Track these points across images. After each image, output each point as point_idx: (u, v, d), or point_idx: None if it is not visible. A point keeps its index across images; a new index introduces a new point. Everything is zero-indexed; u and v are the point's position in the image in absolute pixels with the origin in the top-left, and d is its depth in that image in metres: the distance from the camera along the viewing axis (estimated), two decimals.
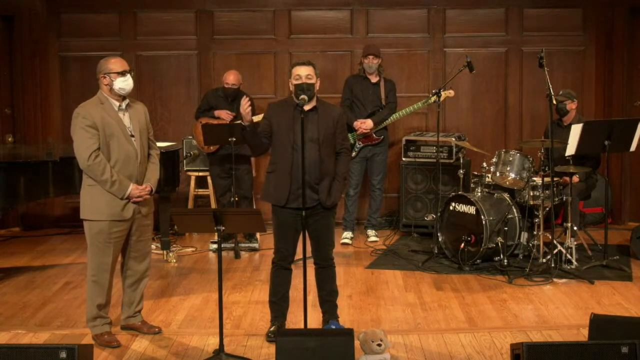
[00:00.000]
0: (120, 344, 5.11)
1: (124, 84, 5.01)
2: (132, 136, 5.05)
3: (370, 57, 7.71)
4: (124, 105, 5.07)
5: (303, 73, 5.01)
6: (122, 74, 5.00)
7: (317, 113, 5.08)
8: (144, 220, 5.19)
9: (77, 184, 6.51)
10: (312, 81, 5.02)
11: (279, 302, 5.29)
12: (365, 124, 7.65)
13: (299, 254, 5.09)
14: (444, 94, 7.32)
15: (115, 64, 5.01)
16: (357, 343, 4.57)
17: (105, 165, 4.94)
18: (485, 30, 8.70)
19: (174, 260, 7.23)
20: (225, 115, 7.61)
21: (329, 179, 5.10)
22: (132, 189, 5.02)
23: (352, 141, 7.76)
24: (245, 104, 4.96)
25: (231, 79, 7.66)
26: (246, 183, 7.77)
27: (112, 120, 4.99)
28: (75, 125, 4.96)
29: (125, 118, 5.07)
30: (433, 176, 7.97)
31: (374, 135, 7.76)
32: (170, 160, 7.04)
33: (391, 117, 7.75)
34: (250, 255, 7.51)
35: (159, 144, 7.43)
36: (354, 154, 7.79)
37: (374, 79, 7.80)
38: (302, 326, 5.00)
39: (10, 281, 6.63)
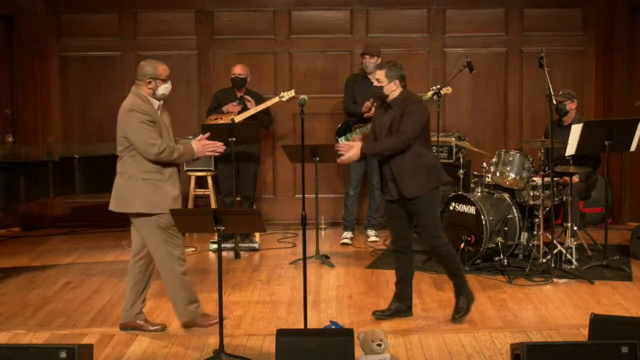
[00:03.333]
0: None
1: (166, 90, 5.17)
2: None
3: (367, 56, 7.72)
4: (160, 106, 5.21)
5: (376, 76, 5.41)
6: (166, 80, 5.15)
7: (391, 110, 5.36)
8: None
9: (77, 184, 6.54)
10: (381, 84, 5.37)
11: (397, 284, 5.59)
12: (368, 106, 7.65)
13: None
14: (442, 92, 7.32)
15: (163, 69, 5.15)
16: (357, 343, 4.57)
17: (173, 147, 5.08)
18: (485, 30, 8.70)
19: None
20: (232, 107, 7.65)
21: (407, 173, 5.28)
22: (195, 143, 5.18)
23: (351, 141, 7.76)
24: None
25: (238, 69, 7.76)
26: (250, 183, 7.79)
27: (158, 118, 5.13)
28: (134, 121, 5.05)
29: (163, 117, 5.21)
30: None
31: None
32: None
33: None
34: (250, 255, 7.51)
35: None
36: None
37: (374, 79, 7.79)
38: (302, 326, 5.01)
39: (10, 281, 6.63)
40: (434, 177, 5.37)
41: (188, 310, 5.27)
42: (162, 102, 5.22)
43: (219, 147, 5.24)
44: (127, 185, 5.13)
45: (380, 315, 5.55)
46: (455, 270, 5.54)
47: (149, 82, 5.10)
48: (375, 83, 5.41)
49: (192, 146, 5.19)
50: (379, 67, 5.47)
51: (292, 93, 7.58)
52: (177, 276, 5.20)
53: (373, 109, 7.61)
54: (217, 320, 5.31)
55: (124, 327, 5.35)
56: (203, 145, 5.20)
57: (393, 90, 5.37)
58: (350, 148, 5.33)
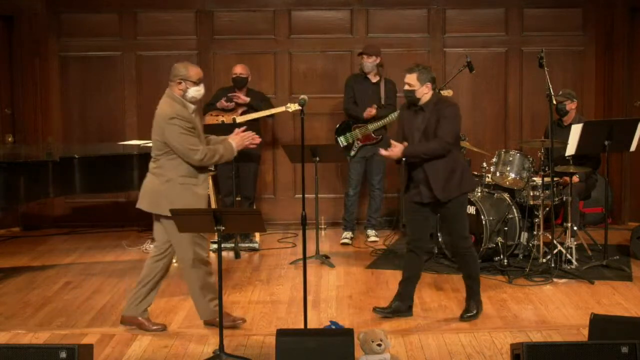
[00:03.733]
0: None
1: (197, 93, 5.15)
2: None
3: (364, 56, 7.73)
4: (195, 110, 5.22)
5: (406, 80, 5.41)
6: (197, 83, 5.13)
7: (424, 113, 5.40)
8: None
9: (77, 184, 6.54)
10: (413, 88, 5.38)
11: (402, 282, 5.64)
12: (370, 112, 7.64)
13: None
14: (442, 94, 7.32)
15: (195, 72, 5.14)
16: (357, 343, 4.57)
17: (213, 149, 5.11)
18: (485, 30, 8.70)
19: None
20: (224, 104, 7.62)
21: (443, 177, 5.33)
22: (233, 139, 5.17)
23: (350, 140, 7.76)
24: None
25: (238, 69, 7.76)
26: (250, 183, 7.79)
27: (196, 123, 5.16)
28: (176, 129, 5.04)
29: (198, 121, 5.21)
30: None
31: (373, 134, 7.76)
32: None
33: (390, 117, 7.73)
34: (250, 255, 7.51)
35: None
36: (352, 153, 7.78)
37: (373, 79, 7.80)
38: (302, 326, 5.01)
39: (10, 281, 6.63)
40: (466, 181, 5.47)
41: (210, 307, 5.30)
42: (196, 106, 5.21)
43: (256, 137, 5.24)
44: (163, 188, 5.14)
45: (380, 312, 5.58)
46: (474, 274, 5.59)
47: (179, 83, 5.11)
48: (406, 87, 5.41)
49: (230, 144, 5.19)
50: (409, 71, 5.43)
51: (297, 106, 7.57)
52: (200, 277, 5.26)
53: (374, 113, 7.63)
54: (241, 320, 5.43)
55: (125, 321, 5.35)
56: (241, 138, 5.20)
57: (425, 93, 5.40)
58: (394, 146, 5.39)
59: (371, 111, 7.61)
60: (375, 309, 5.61)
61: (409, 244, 5.62)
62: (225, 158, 5.21)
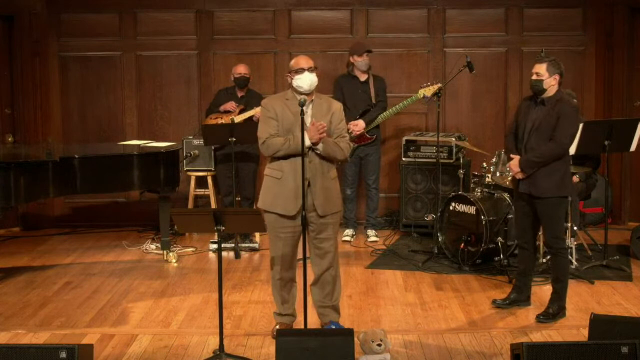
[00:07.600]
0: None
1: (299, 81, 5.09)
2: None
3: (365, 55, 7.71)
4: (308, 101, 5.11)
5: (535, 70, 5.43)
6: (297, 71, 5.09)
7: (543, 107, 5.44)
8: (319, 219, 5.12)
9: (77, 184, 6.55)
10: (541, 78, 5.45)
11: (518, 275, 5.84)
12: (357, 126, 7.65)
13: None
14: (431, 89, 7.33)
15: (296, 62, 5.16)
16: (357, 343, 4.57)
17: (275, 140, 5.03)
18: (485, 30, 8.70)
19: (174, 260, 7.23)
20: (230, 106, 7.64)
21: (543, 171, 5.37)
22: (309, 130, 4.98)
23: None
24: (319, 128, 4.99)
25: (240, 69, 7.75)
26: (249, 184, 7.79)
27: (292, 116, 5.05)
28: (261, 113, 5.23)
29: (307, 116, 5.09)
30: (433, 176, 7.97)
31: (367, 135, 7.76)
32: (170, 160, 7.04)
33: (381, 116, 7.74)
34: (250, 255, 7.51)
35: (159, 144, 7.48)
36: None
37: (362, 78, 7.80)
38: (302, 326, 5.01)
39: (10, 281, 6.63)
40: (566, 185, 5.46)
41: (275, 314, 5.36)
42: (311, 98, 5.09)
43: (320, 129, 5.00)
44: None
45: (500, 304, 5.75)
46: (563, 277, 5.60)
47: (288, 76, 5.17)
48: (534, 77, 5.42)
49: (298, 137, 4.94)
50: (539, 60, 5.44)
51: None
52: (272, 279, 5.31)
53: (360, 122, 7.64)
54: None
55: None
56: (314, 130, 4.99)
57: (552, 85, 5.42)
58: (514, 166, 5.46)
59: (359, 126, 7.62)
60: (494, 301, 5.81)
61: (517, 239, 5.90)
62: (292, 147, 4.97)
